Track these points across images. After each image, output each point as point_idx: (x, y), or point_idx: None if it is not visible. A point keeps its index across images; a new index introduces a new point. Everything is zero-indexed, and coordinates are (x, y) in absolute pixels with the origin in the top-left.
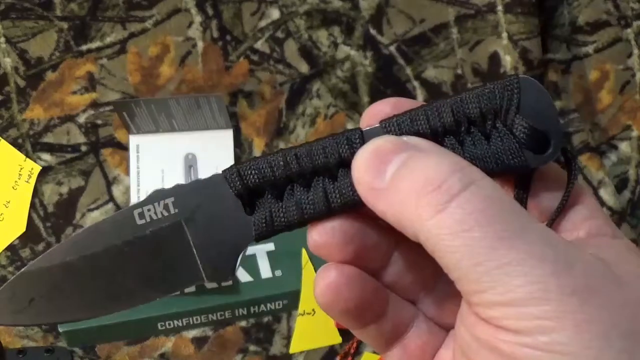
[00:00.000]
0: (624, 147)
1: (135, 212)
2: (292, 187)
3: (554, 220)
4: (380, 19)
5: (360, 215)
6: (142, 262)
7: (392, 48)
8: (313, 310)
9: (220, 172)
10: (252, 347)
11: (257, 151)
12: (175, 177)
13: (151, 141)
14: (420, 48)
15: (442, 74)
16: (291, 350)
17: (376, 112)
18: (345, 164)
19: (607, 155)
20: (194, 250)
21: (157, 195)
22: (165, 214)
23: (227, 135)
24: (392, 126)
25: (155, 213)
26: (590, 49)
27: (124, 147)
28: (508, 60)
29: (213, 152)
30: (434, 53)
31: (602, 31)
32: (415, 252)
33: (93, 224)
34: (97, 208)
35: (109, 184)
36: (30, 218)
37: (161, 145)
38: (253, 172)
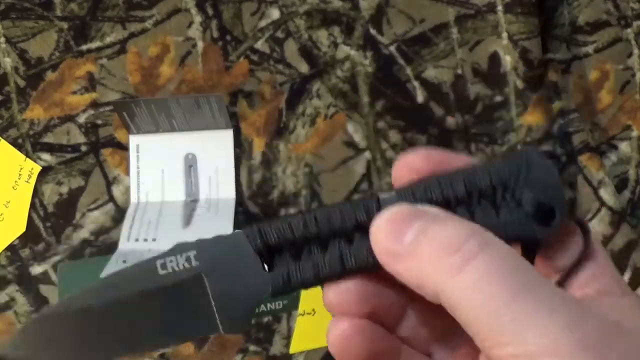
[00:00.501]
0: (624, 147)
1: (158, 263)
2: (310, 247)
3: (565, 279)
4: (380, 19)
5: (375, 275)
6: (161, 310)
7: (392, 48)
8: (313, 310)
9: (240, 229)
10: (252, 347)
11: (257, 151)
12: (175, 177)
13: (151, 141)
14: (420, 48)
15: (442, 74)
16: (291, 350)
17: (407, 164)
18: (362, 228)
19: (607, 155)
20: (212, 302)
21: (180, 248)
22: (187, 266)
23: (227, 135)
24: (407, 194)
25: (177, 265)
26: (590, 49)
27: (124, 147)
28: (508, 60)
29: (213, 152)
30: (434, 53)
31: (602, 31)
32: (429, 308)
33: (114, 272)
34: (97, 208)
35: (109, 184)
36: (30, 218)
37: (161, 145)
38: (273, 232)
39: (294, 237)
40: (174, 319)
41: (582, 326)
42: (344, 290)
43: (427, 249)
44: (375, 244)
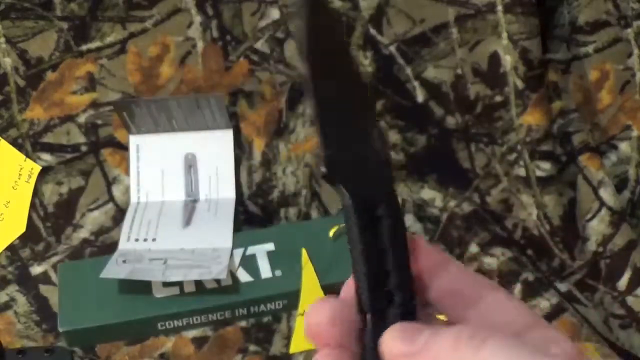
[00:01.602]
0: (624, 147)
1: None
2: None
3: None
4: (380, 19)
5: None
6: None
7: (392, 48)
8: None
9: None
10: (252, 347)
11: (257, 151)
12: (175, 177)
13: (151, 141)
14: (420, 48)
15: (442, 74)
16: (291, 350)
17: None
18: None
19: (607, 155)
20: None
21: None
22: None
23: (227, 135)
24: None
25: None
26: (590, 49)
27: (124, 147)
28: (508, 60)
29: (213, 152)
30: (434, 53)
31: (602, 31)
32: None
33: None
34: (97, 208)
35: (109, 184)
36: (30, 218)
37: (161, 145)
38: None
39: None
40: None
41: None
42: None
43: (443, 342)
44: (388, 352)
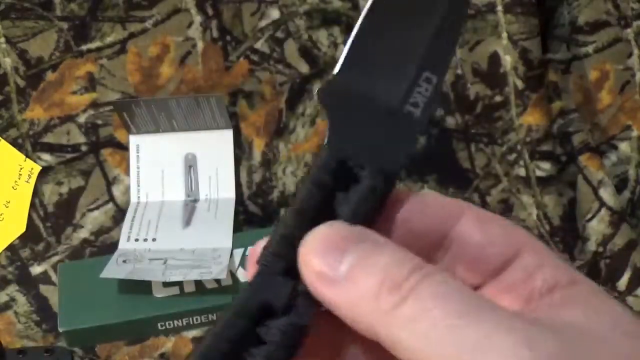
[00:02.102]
0: (624, 147)
1: None
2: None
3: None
4: None
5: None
6: None
7: None
8: None
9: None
10: None
11: (257, 151)
12: (175, 177)
13: (151, 141)
14: None
15: None
16: None
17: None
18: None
19: (607, 155)
20: None
21: None
22: None
23: (227, 135)
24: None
25: None
26: (590, 49)
27: (124, 147)
28: (508, 60)
29: (213, 152)
30: None
31: (602, 31)
32: (366, 343)
33: None
34: (97, 208)
35: (109, 184)
36: (30, 218)
37: (161, 145)
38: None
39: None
40: None
41: (543, 339)
42: None
43: (365, 282)
44: (305, 266)
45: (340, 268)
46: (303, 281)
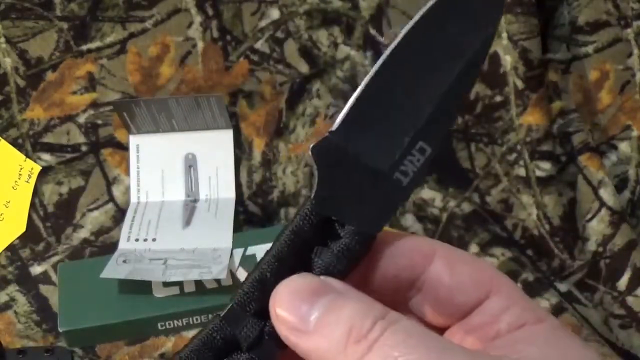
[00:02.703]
0: (624, 147)
1: None
2: None
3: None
4: (380, 19)
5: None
6: None
7: None
8: None
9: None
10: None
11: (257, 151)
12: (175, 177)
13: (151, 141)
14: None
15: None
16: None
17: None
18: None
19: (607, 155)
20: None
21: None
22: None
23: (227, 135)
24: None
25: None
26: (590, 49)
27: (124, 147)
28: (508, 60)
29: (213, 152)
30: None
31: (602, 31)
32: None
33: None
34: (97, 208)
35: (109, 184)
36: (30, 218)
37: (161, 145)
38: None
39: None
40: None
41: None
42: None
43: (332, 334)
44: (276, 318)
45: (310, 320)
46: (272, 324)
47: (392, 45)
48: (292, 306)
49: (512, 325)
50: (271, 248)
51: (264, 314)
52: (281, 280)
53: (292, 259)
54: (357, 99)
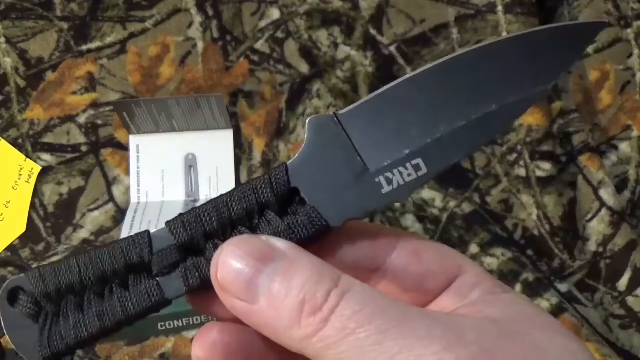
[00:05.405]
0: (624, 147)
1: None
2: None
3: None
4: (380, 19)
5: (244, 324)
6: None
7: (392, 48)
8: None
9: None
10: None
11: (257, 151)
12: (175, 177)
13: (151, 141)
14: (421, 48)
15: None
16: None
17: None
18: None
19: (607, 155)
20: None
21: None
22: None
23: (227, 136)
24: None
25: None
26: (590, 49)
27: (124, 147)
28: None
29: (213, 152)
30: (434, 53)
31: (603, 31)
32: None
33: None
34: (97, 208)
35: (109, 184)
36: (30, 218)
37: (161, 145)
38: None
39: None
40: None
41: (462, 341)
42: (211, 345)
43: (284, 304)
44: (219, 287)
45: (258, 292)
46: (190, 263)
47: (446, 58)
48: (236, 273)
49: (483, 293)
50: (224, 195)
51: (187, 249)
52: (222, 228)
53: (240, 212)
54: (379, 95)
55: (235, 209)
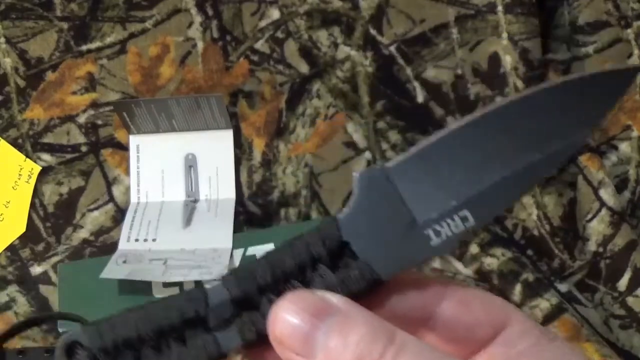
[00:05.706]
0: (624, 147)
1: None
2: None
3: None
4: (380, 19)
5: None
6: None
7: (392, 48)
8: None
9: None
10: None
11: (257, 151)
12: (175, 177)
13: (151, 141)
14: (421, 48)
15: (442, 74)
16: None
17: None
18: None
19: (607, 155)
20: None
21: None
22: None
23: (227, 136)
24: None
25: None
26: (590, 49)
27: (124, 147)
28: (508, 61)
29: (213, 152)
30: (434, 53)
31: (602, 31)
32: None
33: None
34: (97, 208)
35: (109, 184)
36: (30, 218)
37: (161, 145)
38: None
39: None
40: None
41: None
42: None
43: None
44: (276, 341)
45: (314, 346)
46: (246, 318)
47: (490, 108)
48: (293, 328)
49: (532, 345)
50: (276, 250)
51: (242, 304)
52: (275, 283)
53: (293, 267)
54: (426, 147)
55: (288, 264)
